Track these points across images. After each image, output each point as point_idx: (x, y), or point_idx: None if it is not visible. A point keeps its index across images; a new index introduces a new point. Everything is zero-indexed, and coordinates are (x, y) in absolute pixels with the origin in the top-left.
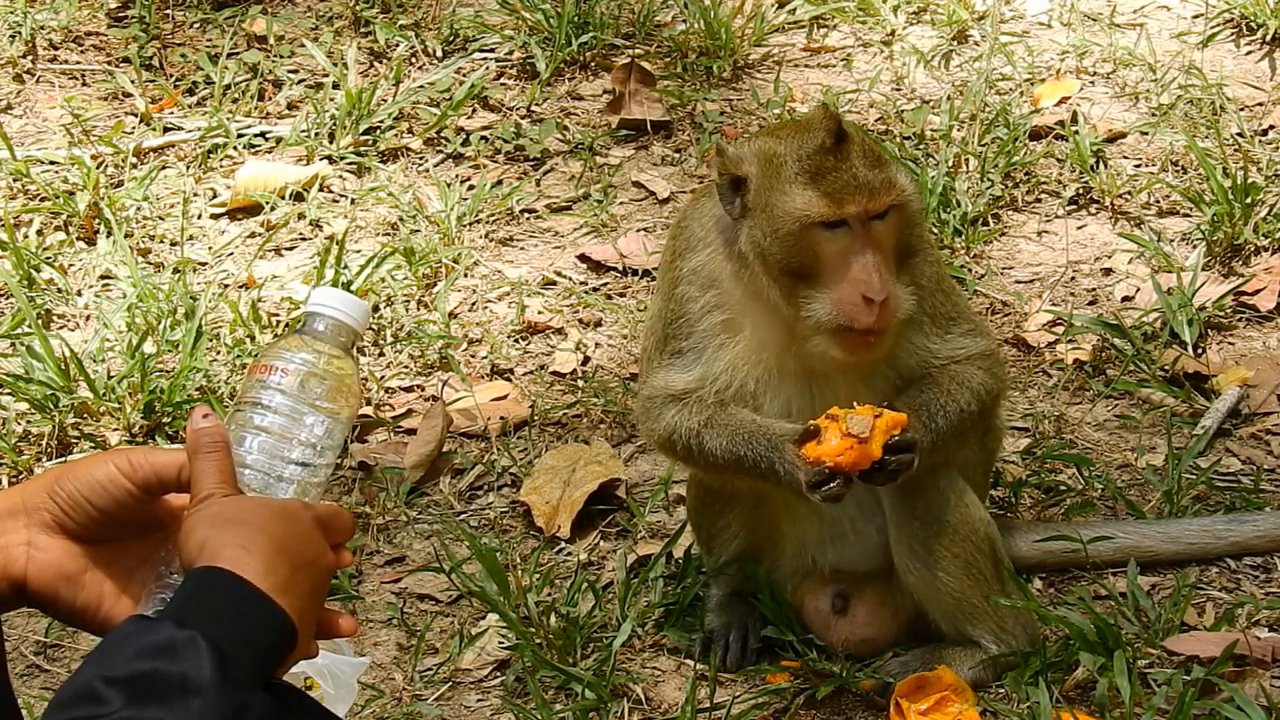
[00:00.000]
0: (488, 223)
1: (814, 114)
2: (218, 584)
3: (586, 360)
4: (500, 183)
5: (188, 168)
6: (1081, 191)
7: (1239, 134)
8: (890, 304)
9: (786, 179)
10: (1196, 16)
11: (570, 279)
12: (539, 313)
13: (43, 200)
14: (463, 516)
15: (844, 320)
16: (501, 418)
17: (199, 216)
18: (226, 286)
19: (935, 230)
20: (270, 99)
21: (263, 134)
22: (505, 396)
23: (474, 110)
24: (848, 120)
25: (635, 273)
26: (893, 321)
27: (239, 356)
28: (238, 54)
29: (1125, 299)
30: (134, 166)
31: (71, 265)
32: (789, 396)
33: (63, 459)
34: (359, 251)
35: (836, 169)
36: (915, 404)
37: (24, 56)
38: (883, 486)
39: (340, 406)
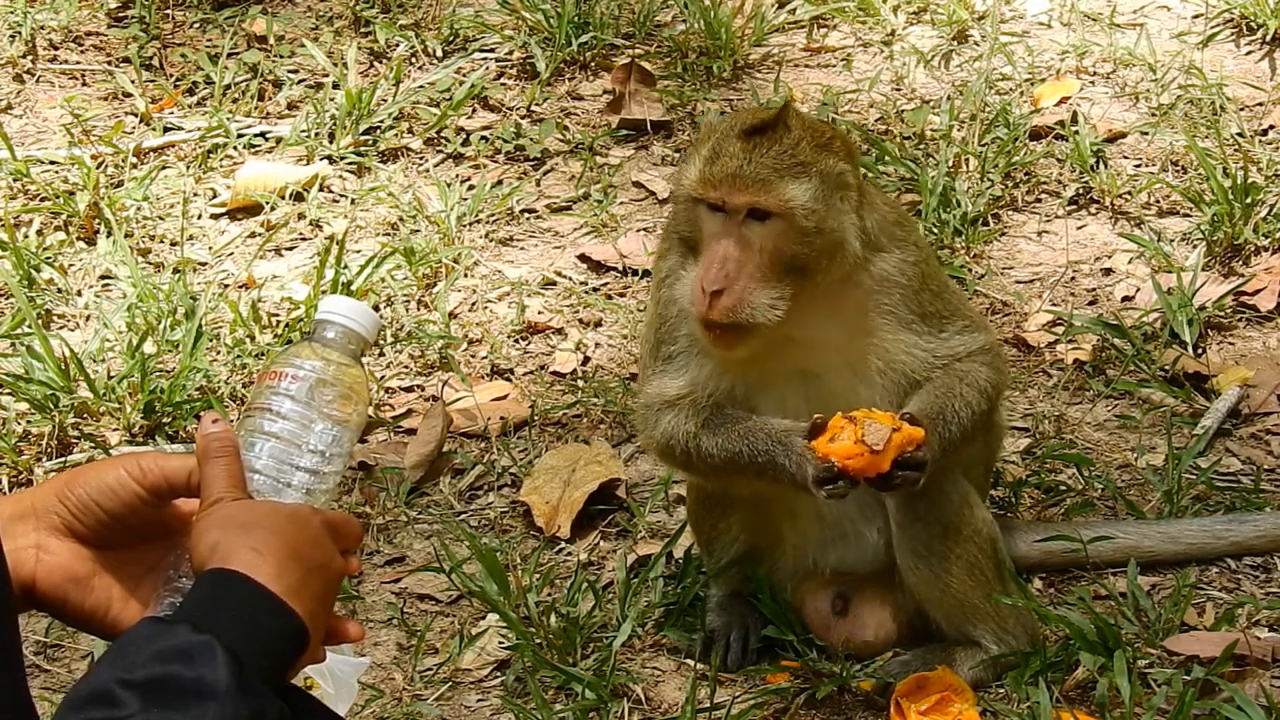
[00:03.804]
0: (488, 223)
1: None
2: (231, 586)
3: (586, 360)
4: (500, 183)
5: (188, 168)
6: (1081, 191)
7: (1239, 134)
8: (726, 301)
9: (697, 151)
10: (1196, 16)
11: (570, 279)
12: (539, 313)
13: (43, 200)
14: (463, 516)
15: (685, 302)
16: (501, 418)
17: (199, 216)
18: (226, 286)
19: (935, 230)
20: (270, 99)
21: (263, 134)
22: (505, 396)
23: (474, 110)
24: (808, 119)
25: (635, 273)
26: (739, 322)
27: (239, 357)
28: (238, 54)
29: (1125, 299)
30: (134, 166)
31: (71, 265)
32: (783, 396)
33: (62, 459)
34: (359, 251)
35: (732, 155)
36: (930, 410)
37: (24, 56)
38: (885, 494)
39: (349, 414)
